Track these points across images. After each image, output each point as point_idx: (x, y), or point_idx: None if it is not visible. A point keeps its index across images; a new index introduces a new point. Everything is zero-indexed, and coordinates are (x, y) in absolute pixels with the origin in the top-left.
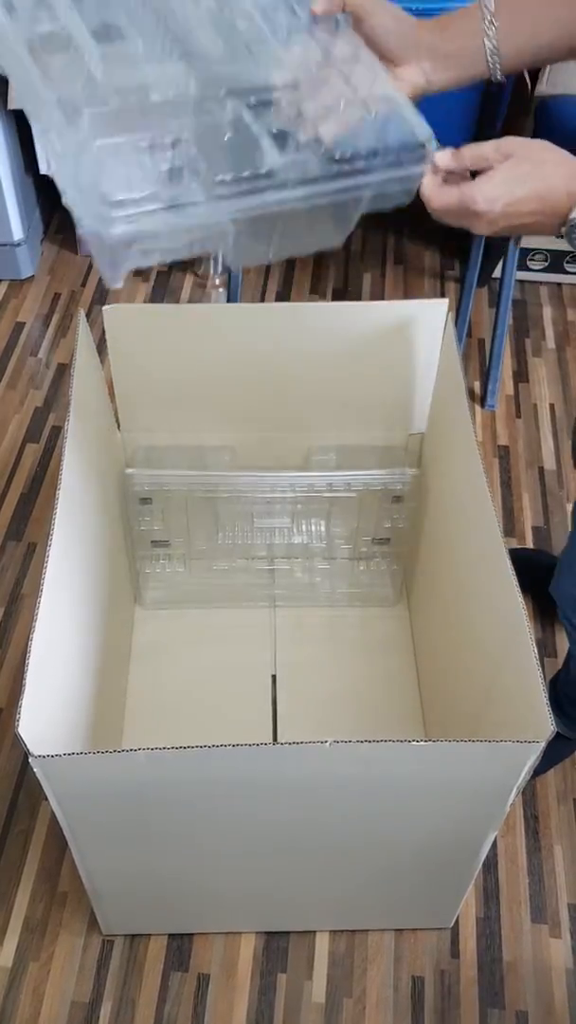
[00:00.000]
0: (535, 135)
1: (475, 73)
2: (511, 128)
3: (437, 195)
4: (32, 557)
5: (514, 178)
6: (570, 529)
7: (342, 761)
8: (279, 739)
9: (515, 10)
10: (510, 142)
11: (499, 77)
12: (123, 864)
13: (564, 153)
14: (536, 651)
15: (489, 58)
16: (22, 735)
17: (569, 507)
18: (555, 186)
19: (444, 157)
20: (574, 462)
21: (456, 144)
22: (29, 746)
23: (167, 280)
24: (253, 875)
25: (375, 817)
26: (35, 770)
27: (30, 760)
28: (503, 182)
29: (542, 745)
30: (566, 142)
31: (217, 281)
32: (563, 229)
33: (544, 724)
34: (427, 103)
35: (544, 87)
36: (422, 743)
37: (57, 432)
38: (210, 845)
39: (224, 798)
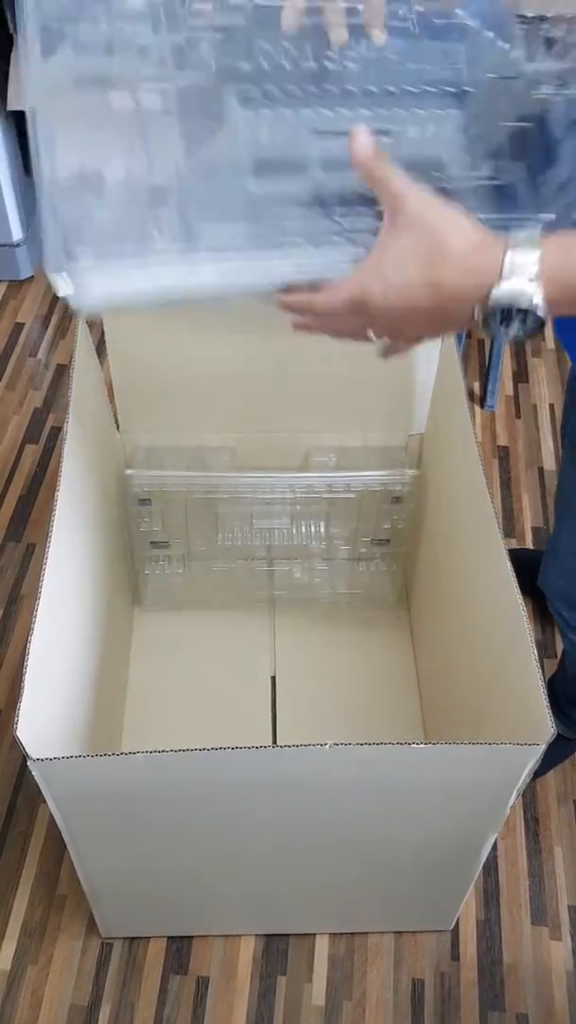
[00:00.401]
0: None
1: None
2: None
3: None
4: (31, 558)
5: (396, 261)
6: (553, 520)
7: (341, 763)
8: (278, 741)
9: None
10: (364, 295)
11: None
12: (122, 866)
13: (465, 224)
14: (536, 653)
15: None
16: (21, 738)
17: None
18: (457, 258)
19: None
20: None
21: None
22: (28, 749)
23: None
24: (252, 877)
25: (375, 819)
26: (34, 773)
27: (29, 763)
28: (382, 266)
29: (542, 748)
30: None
31: None
32: (478, 312)
33: (544, 727)
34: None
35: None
36: (422, 745)
37: (56, 433)
38: (209, 847)
39: (223, 800)
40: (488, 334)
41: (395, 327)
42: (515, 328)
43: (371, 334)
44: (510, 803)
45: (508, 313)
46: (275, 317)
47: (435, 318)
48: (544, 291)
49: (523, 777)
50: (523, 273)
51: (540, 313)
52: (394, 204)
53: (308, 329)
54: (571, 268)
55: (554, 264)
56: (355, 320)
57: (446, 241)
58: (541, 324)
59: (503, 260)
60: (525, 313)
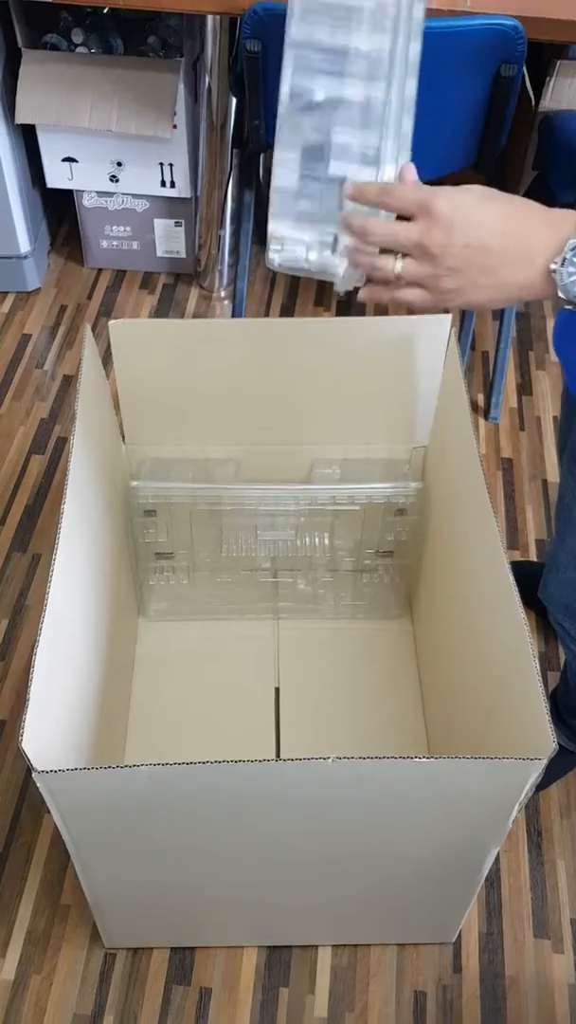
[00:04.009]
0: (539, 150)
1: None
2: (515, 143)
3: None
4: (37, 568)
5: (480, 210)
6: (554, 532)
7: (344, 777)
8: (282, 751)
9: None
10: (433, 198)
11: None
12: (126, 877)
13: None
14: (538, 666)
15: None
16: (26, 751)
17: None
18: (531, 219)
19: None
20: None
21: (458, 161)
22: (33, 761)
23: (172, 292)
24: (255, 889)
25: (377, 832)
26: (39, 785)
27: (34, 775)
28: (468, 206)
29: (544, 762)
30: (570, 157)
31: (223, 293)
32: (555, 264)
33: (546, 741)
34: (433, 120)
35: (548, 103)
36: (424, 760)
37: (62, 443)
38: (212, 859)
39: (227, 813)
40: (563, 296)
41: (451, 258)
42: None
43: (417, 271)
44: (512, 817)
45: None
46: (279, 333)
47: (495, 263)
48: None
49: (525, 791)
50: None
51: None
52: (426, 207)
53: (363, 236)
54: None
55: None
56: (413, 234)
57: (521, 200)
58: None
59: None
60: None
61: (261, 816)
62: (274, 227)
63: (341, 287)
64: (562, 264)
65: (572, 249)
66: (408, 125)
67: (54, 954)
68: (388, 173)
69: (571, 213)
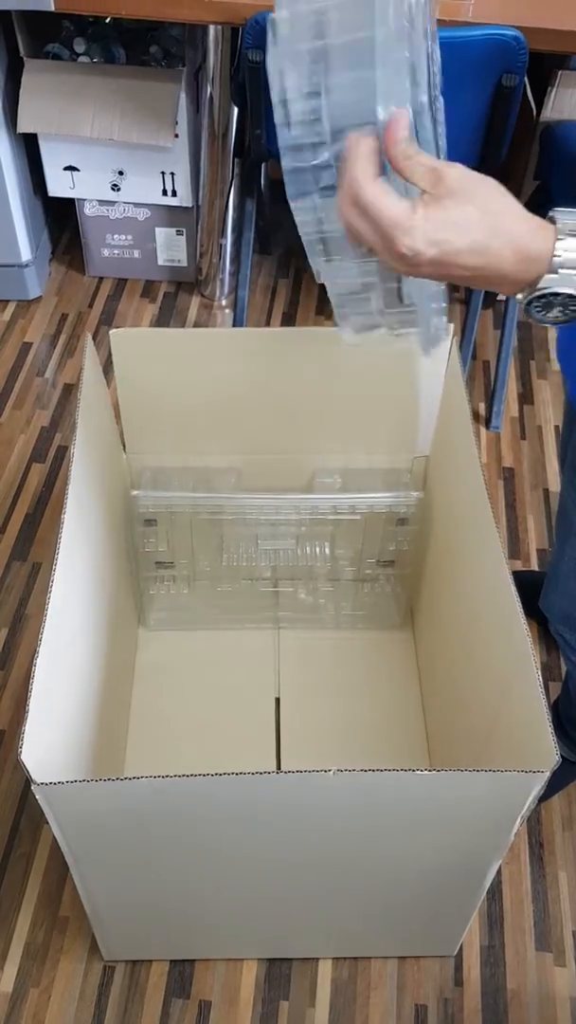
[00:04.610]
0: (540, 160)
1: None
2: (517, 153)
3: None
4: (37, 577)
5: (456, 223)
6: (555, 542)
7: (345, 789)
8: (282, 762)
9: None
10: (454, 174)
11: None
12: (125, 890)
13: (517, 204)
14: (541, 677)
15: None
16: (25, 762)
17: None
18: (512, 240)
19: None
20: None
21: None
22: (32, 773)
23: (174, 301)
24: (256, 901)
25: (378, 845)
26: (38, 797)
27: (33, 788)
28: (444, 226)
29: (547, 775)
30: (572, 167)
31: (224, 302)
32: (523, 296)
33: (549, 754)
34: None
35: (549, 112)
36: (426, 773)
37: (63, 452)
38: (213, 871)
39: (227, 825)
40: (529, 317)
41: (424, 268)
42: (555, 313)
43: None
44: (514, 830)
45: (548, 298)
46: (280, 342)
47: (471, 277)
48: None
49: (528, 804)
50: (571, 264)
51: None
52: (435, 176)
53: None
54: None
55: None
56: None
57: (503, 217)
58: None
59: (553, 248)
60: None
61: (262, 828)
62: (344, 335)
63: (427, 346)
64: (528, 305)
65: (537, 297)
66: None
67: (52, 967)
68: None
69: (547, 235)
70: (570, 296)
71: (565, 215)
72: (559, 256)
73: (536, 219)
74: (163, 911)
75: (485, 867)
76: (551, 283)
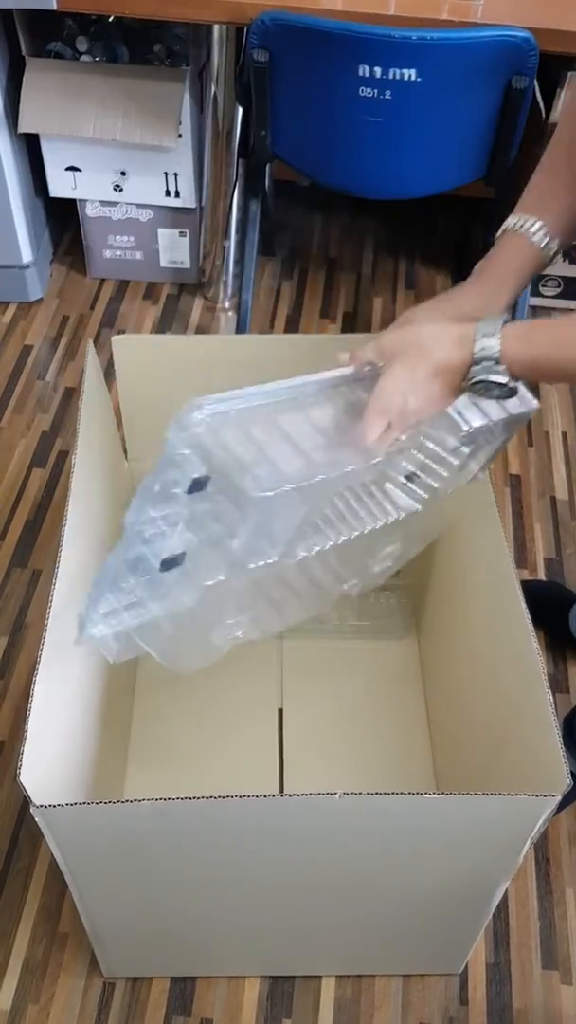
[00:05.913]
0: None
1: (529, 275)
2: (527, 156)
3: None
4: (37, 584)
5: (407, 369)
6: None
7: (351, 812)
8: (285, 775)
9: (549, 206)
10: (388, 341)
11: (553, 256)
12: (125, 908)
13: (437, 319)
14: (550, 692)
15: (542, 251)
16: (24, 784)
17: None
18: (444, 351)
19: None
20: None
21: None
22: (31, 795)
23: (176, 303)
24: (258, 920)
25: (384, 867)
26: (36, 819)
27: (32, 810)
28: (400, 377)
29: (557, 799)
30: None
31: (227, 304)
32: (464, 384)
33: (559, 776)
34: (443, 132)
35: (559, 114)
36: (434, 796)
37: (64, 457)
38: (214, 891)
39: (229, 847)
40: (475, 397)
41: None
42: (495, 392)
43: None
44: (523, 853)
45: (484, 384)
46: (284, 349)
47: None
48: (509, 371)
49: (537, 827)
50: (490, 359)
51: (510, 386)
52: (376, 351)
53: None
54: (529, 353)
55: (514, 350)
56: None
57: (429, 352)
58: (513, 391)
59: (473, 350)
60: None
61: (266, 850)
62: None
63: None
64: (472, 387)
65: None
66: None
67: (52, 983)
68: None
69: (468, 340)
70: (495, 382)
71: (484, 323)
72: (476, 354)
73: (457, 331)
74: (164, 930)
75: (492, 888)
76: (475, 374)
